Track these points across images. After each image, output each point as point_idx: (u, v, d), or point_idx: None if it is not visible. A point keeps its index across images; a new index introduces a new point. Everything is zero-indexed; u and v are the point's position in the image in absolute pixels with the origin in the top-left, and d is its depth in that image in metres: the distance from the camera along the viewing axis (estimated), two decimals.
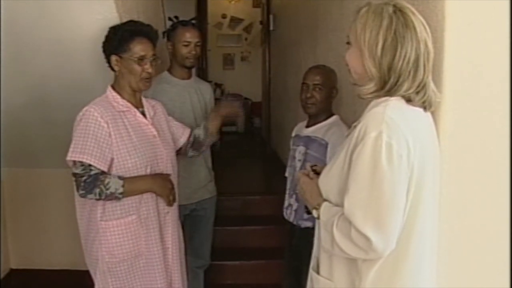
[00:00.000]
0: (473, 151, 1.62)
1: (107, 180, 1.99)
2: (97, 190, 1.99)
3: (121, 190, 2.01)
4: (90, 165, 1.99)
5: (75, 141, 2.01)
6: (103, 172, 2.01)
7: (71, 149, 2.00)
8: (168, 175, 2.21)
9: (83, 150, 1.98)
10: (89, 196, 2.00)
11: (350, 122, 2.35)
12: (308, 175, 1.62)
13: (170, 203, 2.20)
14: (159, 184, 2.13)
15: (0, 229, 3.53)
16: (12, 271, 3.75)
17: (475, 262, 1.69)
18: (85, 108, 2.05)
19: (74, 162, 2.02)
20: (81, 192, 2.01)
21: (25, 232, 3.72)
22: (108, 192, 1.99)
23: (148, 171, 2.12)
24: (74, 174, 2.03)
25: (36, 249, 3.76)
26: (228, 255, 3.73)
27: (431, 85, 1.43)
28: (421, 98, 1.40)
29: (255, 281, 3.62)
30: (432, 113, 1.49)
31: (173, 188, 2.21)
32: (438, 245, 1.51)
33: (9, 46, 2.58)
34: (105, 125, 2.01)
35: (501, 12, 1.54)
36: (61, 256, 3.72)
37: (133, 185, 2.05)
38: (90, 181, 1.99)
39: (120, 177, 2.03)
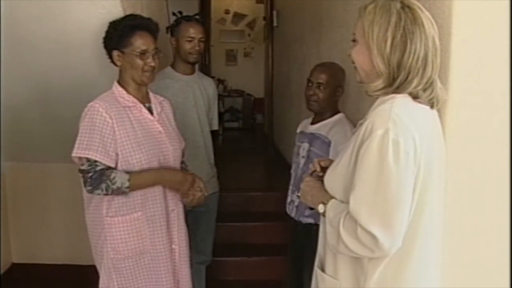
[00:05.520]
0: (479, 148, 1.61)
1: (113, 175, 1.98)
2: (104, 185, 1.98)
3: (127, 184, 1.99)
4: (96, 161, 1.99)
5: (80, 137, 2.00)
6: (109, 168, 2.01)
7: (76, 145, 1.99)
8: (187, 172, 2.18)
9: (89, 147, 1.97)
10: (96, 191, 1.99)
11: (354, 119, 2.35)
12: (315, 171, 1.62)
13: (184, 197, 2.16)
14: (166, 177, 2.12)
15: (1, 223, 3.53)
16: (14, 266, 3.75)
17: (478, 262, 1.68)
18: (90, 104, 2.04)
19: (80, 158, 2.01)
20: (88, 188, 2.00)
21: (27, 226, 3.72)
22: (114, 187, 1.98)
23: (154, 166, 2.10)
24: (81, 171, 2.02)
25: (37, 244, 3.76)
26: (229, 251, 3.73)
27: (438, 82, 1.42)
28: (428, 95, 1.39)
29: (257, 277, 3.62)
30: (438, 111, 1.48)
31: (193, 182, 2.16)
32: (442, 244, 1.50)
33: (11, 41, 2.57)
34: (110, 121, 2.01)
35: (508, 9, 1.53)
36: (63, 251, 3.72)
37: (139, 179, 2.04)
38: (96, 177, 1.98)
39: (126, 172, 2.02)
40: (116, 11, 2.43)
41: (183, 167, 2.32)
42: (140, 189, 2.07)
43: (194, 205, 2.24)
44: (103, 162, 1.99)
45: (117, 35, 2.07)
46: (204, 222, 2.95)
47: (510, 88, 1.56)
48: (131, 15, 2.21)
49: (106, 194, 2.01)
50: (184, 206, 2.33)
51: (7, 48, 2.60)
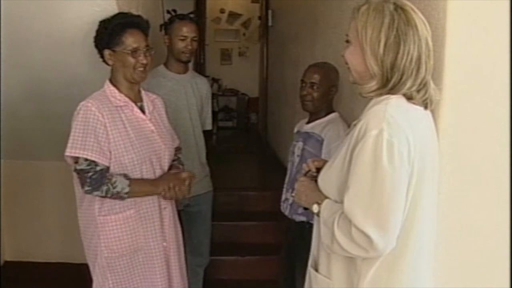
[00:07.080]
0: (472, 150, 1.61)
1: (114, 179, 1.98)
2: (105, 188, 1.97)
3: (127, 190, 2.00)
4: (94, 161, 1.97)
5: (73, 136, 1.98)
6: (107, 168, 2.00)
7: (69, 145, 1.98)
8: (177, 173, 2.17)
9: (84, 146, 1.96)
10: (95, 193, 1.98)
11: (348, 119, 2.36)
12: (310, 171, 1.62)
13: (167, 196, 2.11)
14: (161, 187, 2.09)
15: None
16: (7, 263, 3.74)
17: (472, 262, 1.69)
18: (82, 103, 2.03)
19: (76, 158, 1.99)
20: (86, 188, 1.98)
21: (20, 224, 3.71)
22: (114, 191, 1.98)
23: (147, 166, 2.10)
24: (79, 171, 2.00)
25: (31, 242, 3.75)
26: (224, 251, 3.72)
27: (432, 83, 1.43)
28: (422, 96, 1.40)
29: (251, 276, 3.62)
30: (432, 112, 1.48)
31: (181, 182, 2.12)
32: (435, 244, 1.51)
33: (6, 39, 2.56)
34: (103, 120, 2.00)
35: (503, 11, 1.54)
36: (56, 249, 3.71)
37: (138, 187, 2.05)
38: (96, 178, 1.97)
39: (126, 177, 2.02)
40: (111, 9, 2.42)
41: (175, 165, 2.32)
42: (136, 197, 2.06)
43: (177, 198, 2.19)
44: (100, 162, 1.98)
45: (108, 34, 2.07)
46: (199, 223, 2.94)
47: (510, 88, 1.57)
48: (121, 13, 2.20)
49: (103, 197, 2.01)
50: (177, 205, 2.33)
51: (2, 47, 2.58)
